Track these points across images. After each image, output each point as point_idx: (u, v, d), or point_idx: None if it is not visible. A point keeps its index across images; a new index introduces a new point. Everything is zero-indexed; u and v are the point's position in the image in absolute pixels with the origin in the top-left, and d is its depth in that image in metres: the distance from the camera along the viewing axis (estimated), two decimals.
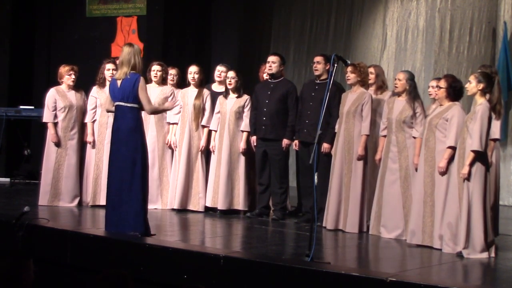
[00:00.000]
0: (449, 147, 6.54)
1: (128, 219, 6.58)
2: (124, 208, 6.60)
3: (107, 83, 8.59)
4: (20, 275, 3.80)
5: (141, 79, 6.67)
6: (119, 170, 6.63)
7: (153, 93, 8.38)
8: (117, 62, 7.06)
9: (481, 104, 6.35)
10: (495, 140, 6.96)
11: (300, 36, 12.36)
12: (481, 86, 6.41)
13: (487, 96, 6.47)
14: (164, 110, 7.52)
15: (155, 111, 7.28)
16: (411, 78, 7.29)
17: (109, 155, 6.88)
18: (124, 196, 6.59)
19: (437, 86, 6.95)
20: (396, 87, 7.32)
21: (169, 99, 8.58)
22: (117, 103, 6.71)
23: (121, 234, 6.53)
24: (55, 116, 8.51)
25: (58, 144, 8.47)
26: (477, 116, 6.28)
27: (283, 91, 8.16)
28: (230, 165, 8.33)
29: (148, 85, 8.20)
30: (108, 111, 7.16)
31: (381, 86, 7.86)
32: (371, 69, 7.91)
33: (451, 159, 6.52)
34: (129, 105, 6.65)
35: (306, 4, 12.33)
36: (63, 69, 8.58)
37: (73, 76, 8.54)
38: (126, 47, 6.74)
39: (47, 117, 8.52)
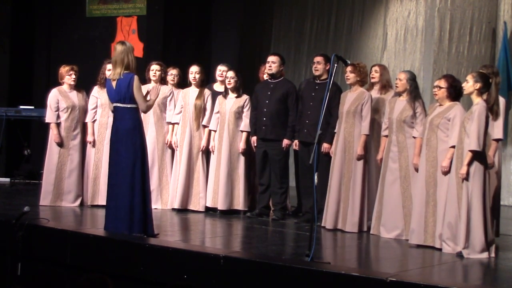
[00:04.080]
0: (452, 147, 6.53)
1: (127, 220, 6.56)
2: (123, 209, 6.57)
3: None
4: None
5: (135, 78, 6.61)
6: (119, 171, 6.61)
7: None
8: (111, 61, 6.95)
9: (477, 103, 6.35)
10: (498, 140, 6.95)
11: (300, 36, 12.35)
12: (478, 85, 6.41)
13: (484, 96, 6.47)
14: (153, 102, 6.79)
15: (149, 108, 6.79)
16: (412, 78, 7.27)
17: (109, 156, 6.87)
18: (123, 197, 6.57)
19: (437, 86, 6.95)
20: (396, 87, 7.32)
21: (168, 99, 8.60)
22: (115, 104, 6.69)
23: (121, 234, 6.54)
24: (58, 117, 8.51)
25: (61, 144, 8.46)
26: (474, 116, 6.27)
27: (283, 91, 8.15)
28: (230, 165, 8.33)
29: (147, 85, 8.22)
30: (112, 112, 6.86)
31: (385, 86, 7.78)
32: (376, 68, 7.89)
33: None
34: (127, 105, 6.62)
35: (307, 4, 12.32)
36: (63, 70, 8.58)
37: (73, 76, 8.54)
38: (119, 45, 6.68)
39: (49, 117, 8.51)
